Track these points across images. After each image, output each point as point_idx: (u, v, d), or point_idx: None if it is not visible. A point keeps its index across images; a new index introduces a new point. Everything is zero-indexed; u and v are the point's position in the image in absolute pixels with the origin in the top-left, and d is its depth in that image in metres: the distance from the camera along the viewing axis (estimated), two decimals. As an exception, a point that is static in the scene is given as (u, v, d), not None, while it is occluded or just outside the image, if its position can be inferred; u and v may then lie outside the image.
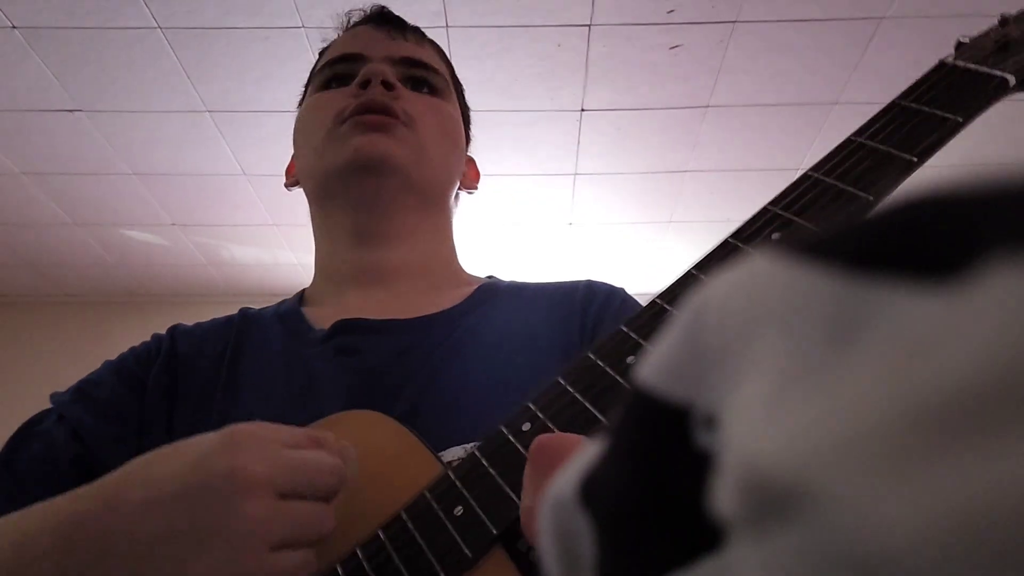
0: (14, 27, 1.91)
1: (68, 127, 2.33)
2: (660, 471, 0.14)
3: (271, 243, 3.09)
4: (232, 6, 1.88)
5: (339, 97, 0.66)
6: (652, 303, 0.42)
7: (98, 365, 0.64)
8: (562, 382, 0.40)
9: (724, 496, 0.12)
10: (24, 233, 2.97)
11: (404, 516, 0.41)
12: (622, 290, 0.65)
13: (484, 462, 0.40)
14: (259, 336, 0.63)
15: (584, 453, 0.17)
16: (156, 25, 1.92)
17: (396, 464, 0.45)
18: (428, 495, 0.41)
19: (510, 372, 0.56)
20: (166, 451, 0.39)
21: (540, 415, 0.40)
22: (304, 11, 1.89)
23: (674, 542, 0.14)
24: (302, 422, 0.51)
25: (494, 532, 0.38)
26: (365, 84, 0.64)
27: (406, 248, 0.65)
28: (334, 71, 0.69)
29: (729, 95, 2.24)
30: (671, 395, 0.14)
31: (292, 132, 0.72)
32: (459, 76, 0.77)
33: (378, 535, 0.40)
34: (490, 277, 0.71)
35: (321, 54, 0.76)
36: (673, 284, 0.42)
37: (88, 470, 0.53)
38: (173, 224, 2.94)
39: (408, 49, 0.70)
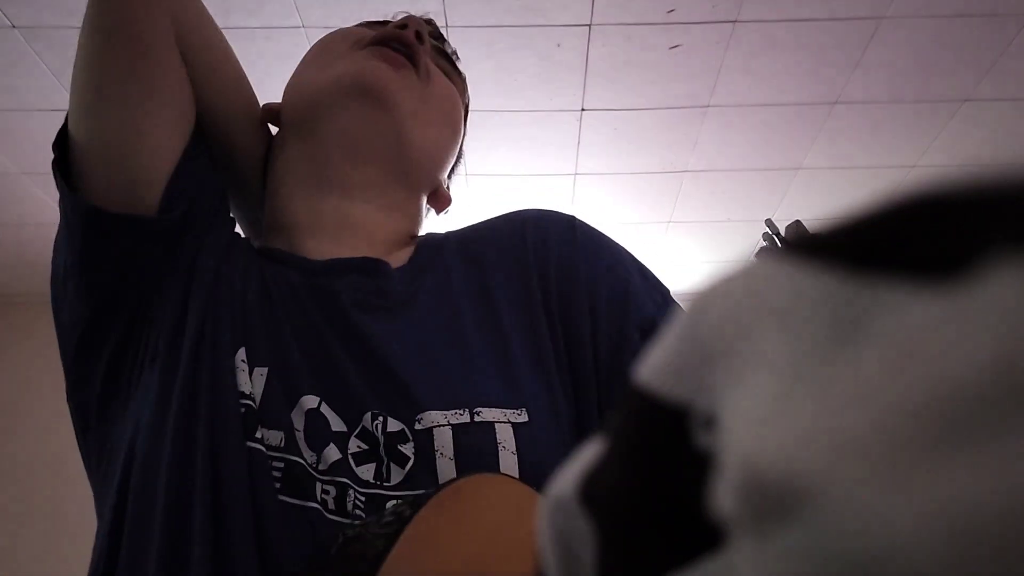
0: (14, 27, 1.91)
1: (68, 127, 2.33)
2: (660, 471, 0.14)
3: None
4: (232, 6, 1.88)
5: (362, 30, 0.65)
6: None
7: None
8: None
9: (724, 496, 0.12)
10: (24, 233, 2.97)
11: None
12: (571, 218, 0.63)
13: None
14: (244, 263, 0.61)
15: (584, 453, 0.17)
16: (156, 25, 1.93)
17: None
18: None
19: (472, 331, 0.55)
20: None
21: None
22: (304, 11, 1.89)
23: (674, 542, 0.14)
24: (302, 350, 0.52)
25: None
26: (403, 26, 0.63)
27: (371, 207, 0.62)
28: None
29: (729, 95, 2.24)
30: (671, 395, 0.14)
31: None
32: None
33: None
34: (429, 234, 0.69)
35: None
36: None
37: None
38: (173, 224, 2.94)
39: (443, 46, 0.70)
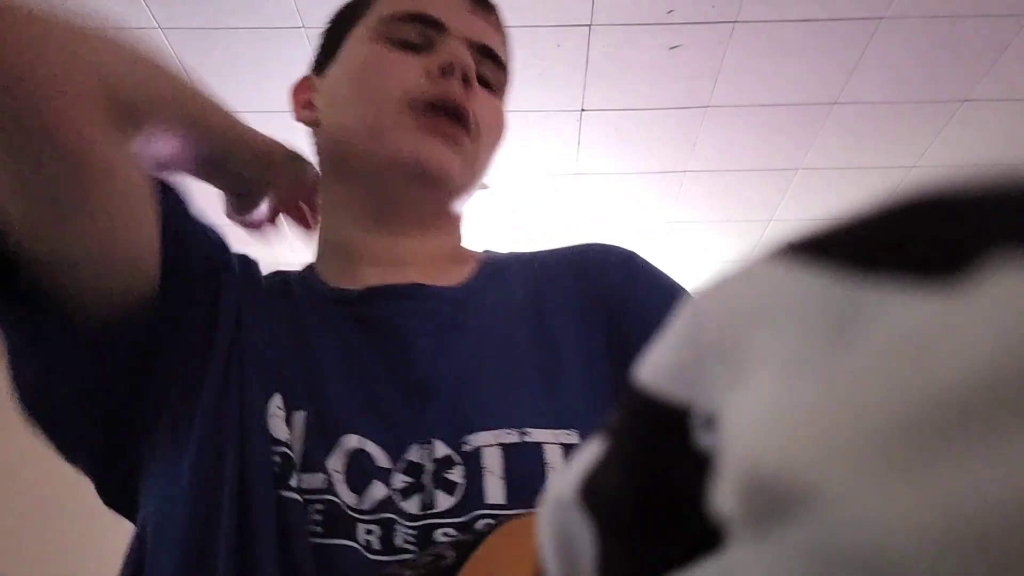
0: (14, 27, 1.92)
1: (68, 127, 2.33)
2: (660, 471, 0.14)
3: (271, 243, 3.08)
4: (232, 6, 1.88)
5: (410, 70, 0.58)
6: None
7: None
8: None
9: (724, 496, 0.12)
10: (24, 233, 2.97)
11: None
12: (632, 254, 0.63)
13: None
14: (280, 294, 0.61)
15: (584, 453, 0.17)
16: (157, 25, 1.92)
17: None
18: None
19: (524, 351, 0.54)
20: None
21: None
22: (304, 11, 1.89)
23: (674, 542, 0.14)
24: (340, 377, 0.51)
25: None
26: (447, 70, 0.57)
27: (422, 238, 0.62)
28: (403, 31, 0.59)
29: (729, 95, 2.24)
30: (671, 395, 0.14)
31: (339, 87, 0.63)
32: None
33: None
34: (487, 251, 0.68)
35: None
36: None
37: None
38: (173, 224, 2.94)
39: (488, 33, 0.62)
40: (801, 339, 0.12)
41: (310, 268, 0.64)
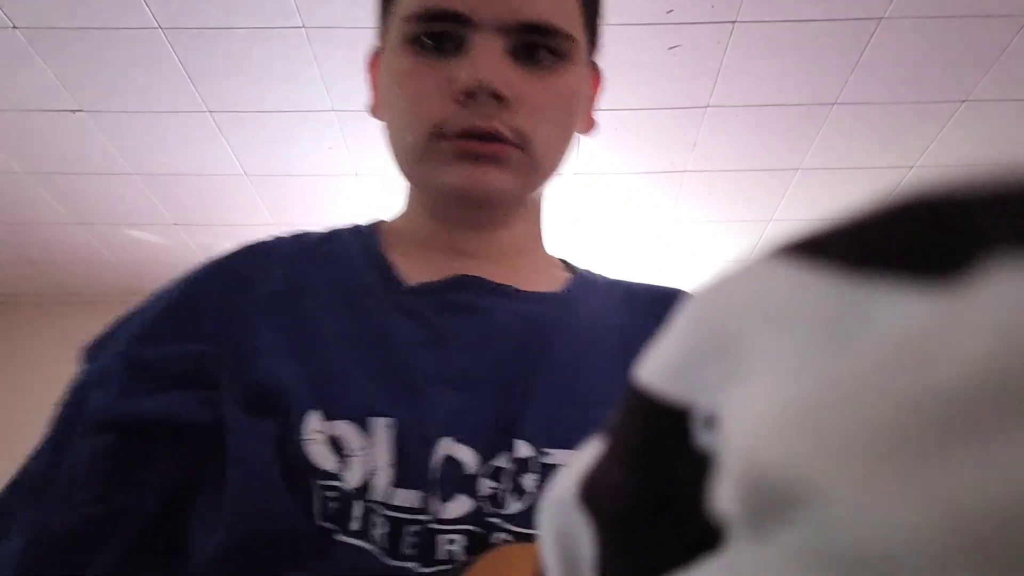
0: (16, 28, 1.91)
1: (70, 127, 2.33)
2: (660, 471, 0.14)
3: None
4: (232, 6, 1.88)
5: (436, 92, 0.54)
6: None
7: None
8: None
9: (724, 495, 0.12)
10: (26, 232, 2.97)
11: None
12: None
13: None
14: (336, 273, 0.57)
15: (584, 453, 0.17)
16: (157, 25, 1.92)
17: None
18: None
19: (615, 379, 0.53)
20: None
21: None
22: (304, 11, 1.89)
23: (674, 542, 0.14)
24: (430, 372, 0.50)
25: None
26: (470, 94, 0.52)
27: (501, 232, 0.60)
28: (428, 28, 0.54)
29: (728, 95, 2.24)
30: (671, 395, 0.14)
31: (368, 116, 0.61)
32: None
33: None
34: (564, 261, 0.67)
35: None
36: None
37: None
38: (174, 224, 2.94)
39: (527, 4, 0.53)
40: (801, 339, 0.12)
41: (380, 252, 0.60)
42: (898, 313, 0.11)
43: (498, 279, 0.58)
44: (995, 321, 0.10)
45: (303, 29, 1.94)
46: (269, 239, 0.61)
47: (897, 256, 0.12)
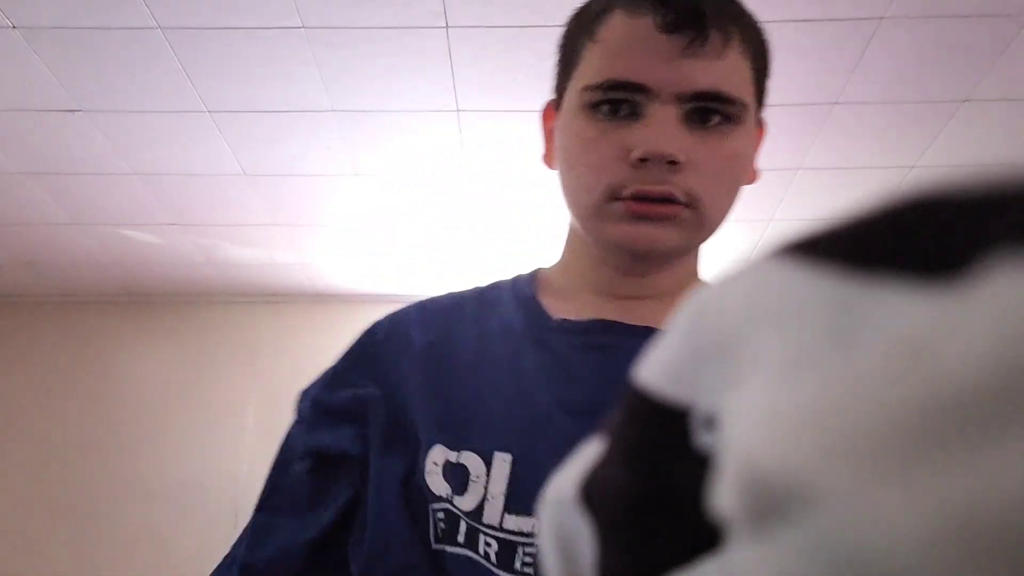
0: (14, 27, 1.91)
1: (68, 127, 2.33)
2: (660, 471, 0.14)
3: (270, 243, 3.08)
4: (232, 6, 1.88)
5: (612, 157, 0.57)
6: None
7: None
8: None
9: (724, 496, 0.12)
10: (23, 233, 2.97)
11: None
12: None
13: None
14: (484, 313, 0.64)
15: (584, 453, 0.17)
16: (156, 25, 1.92)
17: None
18: None
19: None
20: None
21: None
22: (304, 11, 1.89)
23: (674, 542, 0.14)
24: (554, 404, 0.55)
25: None
26: (645, 159, 0.55)
27: (663, 277, 0.63)
28: (607, 97, 0.57)
29: (729, 95, 2.24)
30: (671, 395, 0.14)
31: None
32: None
33: None
34: None
35: (583, 15, 0.61)
36: None
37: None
38: (172, 224, 2.94)
39: (703, 74, 0.55)
40: (801, 339, 0.12)
41: (531, 288, 0.66)
42: (898, 313, 0.11)
43: (648, 319, 0.60)
44: (996, 322, 0.10)
45: (302, 29, 1.94)
46: (438, 296, 0.69)
47: (897, 256, 0.12)
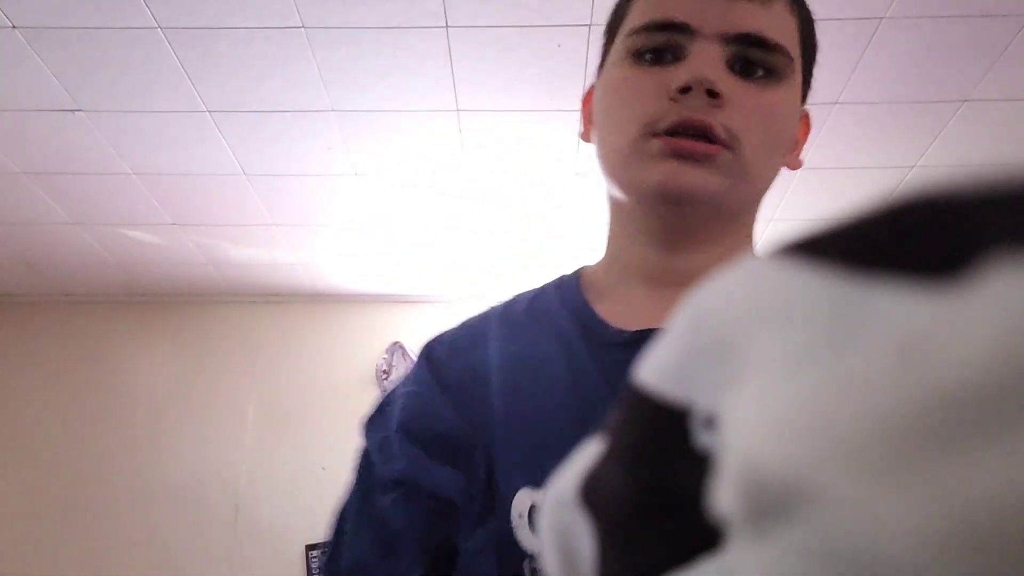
0: (14, 27, 1.91)
1: (68, 127, 2.33)
2: (660, 471, 0.14)
3: (271, 243, 3.08)
4: (232, 6, 1.88)
5: (652, 93, 0.55)
6: None
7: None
8: None
9: (724, 496, 0.12)
10: (24, 233, 2.97)
11: None
12: None
13: None
14: (541, 330, 0.60)
15: (584, 453, 0.17)
16: (156, 25, 1.92)
17: None
18: None
19: None
20: None
21: None
22: (304, 11, 1.89)
23: (674, 542, 0.14)
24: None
25: None
26: (686, 89, 0.53)
27: (710, 254, 0.59)
28: (651, 41, 0.56)
29: (729, 95, 2.24)
30: (671, 395, 0.14)
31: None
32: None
33: None
34: None
35: None
36: None
37: None
38: (173, 224, 2.94)
39: (749, 17, 0.54)
40: (801, 339, 0.12)
41: (579, 293, 0.62)
42: (898, 313, 0.11)
43: None
44: (995, 322, 0.10)
45: (302, 29, 1.94)
46: (487, 312, 0.65)
47: (897, 256, 0.12)
